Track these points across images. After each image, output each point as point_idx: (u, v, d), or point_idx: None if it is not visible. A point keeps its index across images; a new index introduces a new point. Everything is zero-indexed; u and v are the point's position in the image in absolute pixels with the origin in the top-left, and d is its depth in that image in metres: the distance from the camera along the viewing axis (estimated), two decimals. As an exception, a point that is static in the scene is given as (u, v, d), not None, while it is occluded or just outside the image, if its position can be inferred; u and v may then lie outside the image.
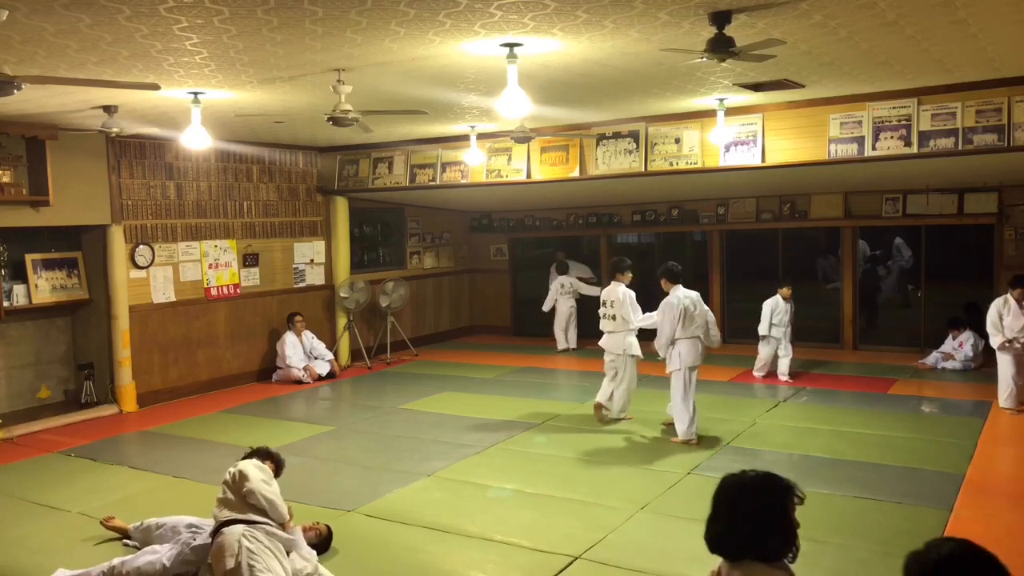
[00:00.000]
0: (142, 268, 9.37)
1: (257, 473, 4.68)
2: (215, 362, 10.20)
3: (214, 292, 10.16)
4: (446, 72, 5.90)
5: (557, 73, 6.03)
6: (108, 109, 7.08)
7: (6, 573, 4.91)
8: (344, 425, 8.35)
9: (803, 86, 7.03)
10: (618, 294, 7.92)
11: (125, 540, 5.25)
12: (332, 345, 11.28)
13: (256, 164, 10.62)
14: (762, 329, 9.74)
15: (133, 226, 9.28)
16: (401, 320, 12.31)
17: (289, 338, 10.54)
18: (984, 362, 9.82)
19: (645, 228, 12.98)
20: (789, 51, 5.44)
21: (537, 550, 5.00)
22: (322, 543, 4.99)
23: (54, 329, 9.25)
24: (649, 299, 8.23)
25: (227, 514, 4.50)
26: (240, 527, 4.39)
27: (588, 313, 12.95)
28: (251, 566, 4.21)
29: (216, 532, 4.46)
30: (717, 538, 2.50)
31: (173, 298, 9.71)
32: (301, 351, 10.61)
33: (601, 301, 8.13)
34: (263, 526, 4.46)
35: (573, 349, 12.34)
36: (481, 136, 9.41)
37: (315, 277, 11.47)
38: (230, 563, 4.22)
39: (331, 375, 10.74)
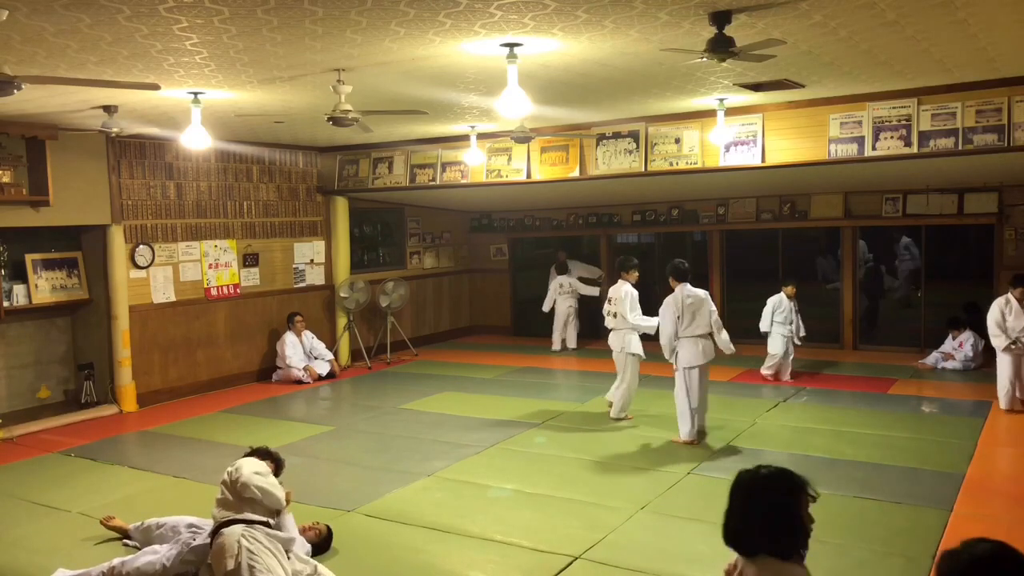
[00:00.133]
0: (142, 268, 9.37)
1: (249, 466, 4.67)
2: (215, 362, 10.19)
3: (214, 292, 10.16)
4: (446, 72, 5.90)
5: (557, 73, 6.03)
6: (108, 109, 7.08)
7: (6, 573, 4.91)
8: (344, 425, 8.35)
9: (803, 86, 7.03)
10: (620, 292, 7.92)
11: (125, 540, 5.25)
12: (332, 345, 11.28)
13: (256, 164, 10.62)
14: (763, 325, 9.68)
15: (133, 226, 9.28)
16: (401, 320, 12.31)
17: (289, 338, 10.54)
18: (984, 362, 9.82)
19: (645, 228, 12.98)
20: (789, 51, 5.44)
21: (537, 550, 5.00)
22: (322, 543, 4.99)
23: (54, 329, 9.25)
24: (650, 299, 8.23)
25: (225, 514, 4.50)
26: (239, 527, 4.38)
27: (591, 314, 13.03)
28: (251, 566, 4.21)
29: (215, 533, 4.46)
30: (733, 533, 2.55)
31: (173, 298, 9.71)
32: (301, 351, 10.62)
33: (607, 299, 8.14)
34: (262, 526, 4.46)
35: (573, 349, 12.34)
36: (481, 136, 9.41)
37: (315, 277, 11.47)
38: (230, 564, 4.22)
39: (331, 375, 10.74)
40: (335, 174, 11.25)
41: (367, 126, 6.52)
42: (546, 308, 12.50)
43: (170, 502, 5.91)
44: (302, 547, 4.76)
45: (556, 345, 12.38)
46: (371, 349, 11.82)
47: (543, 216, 13.49)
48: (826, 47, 5.50)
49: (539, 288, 13.01)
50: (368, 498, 5.99)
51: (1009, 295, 8.10)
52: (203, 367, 10.05)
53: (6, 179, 8.01)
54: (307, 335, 10.80)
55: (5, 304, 8.28)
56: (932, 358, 10.34)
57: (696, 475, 6.36)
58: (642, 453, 7.01)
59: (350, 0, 4.06)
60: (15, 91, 4.59)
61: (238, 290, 10.45)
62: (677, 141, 8.69)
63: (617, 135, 8.99)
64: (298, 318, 10.71)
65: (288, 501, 4.74)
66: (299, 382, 10.39)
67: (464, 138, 9.44)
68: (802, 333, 9.79)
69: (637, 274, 8.10)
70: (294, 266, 11.20)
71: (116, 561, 4.66)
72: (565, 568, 4.75)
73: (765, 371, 9.75)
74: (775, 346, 9.66)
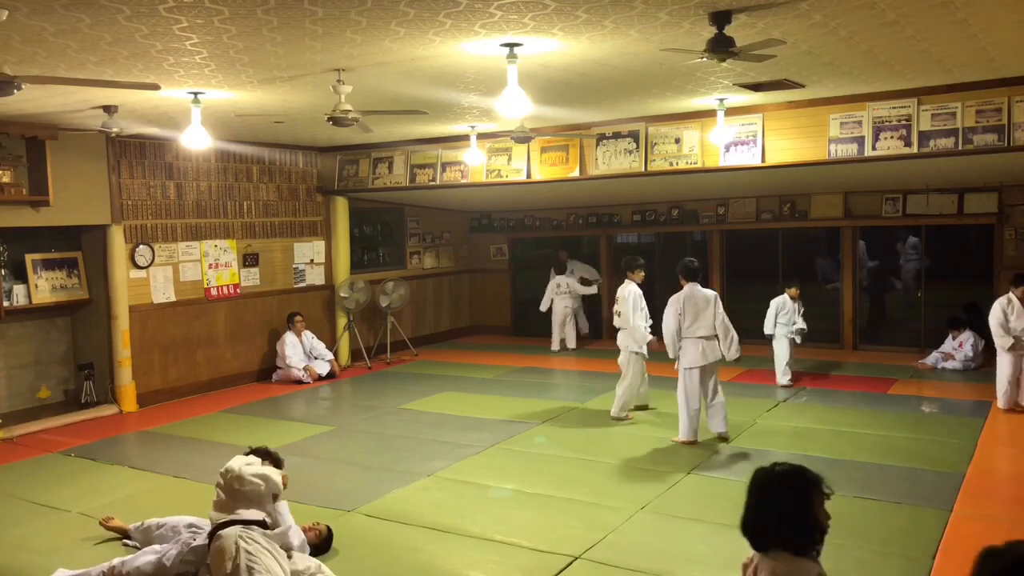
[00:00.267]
0: (142, 268, 9.37)
1: (238, 461, 4.66)
2: (215, 362, 10.20)
3: (214, 292, 10.16)
4: (446, 72, 5.90)
5: (557, 73, 6.03)
6: (108, 109, 7.08)
7: (6, 573, 4.91)
8: (344, 425, 8.35)
9: (803, 86, 7.03)
10: (625, 292, 7.93)
11: (125, 540, 5.25)
12: (332, 345, 11.28)
13: (256, 164, 10.62)
14: (767, 328, 9.51)
15: (133, 226, 9.28)
16: (401, 320, 12.31)
17: (289, 338, 10.54)
18: (984, 362, 9.81)
19: (645, 228, 12.98)
20: (789, 51, 5.44)
21: (537, 550, 5.00)
22: (322, 543, 4.99)
23: (54, 329, 9.25)
24: (650, 300, 8.22)
25: (220, 516, 4.49)
26: (236, 528, 4.38)
27: (592, 315, 13.03)
28: (249, 567, 4.20)
29: (212, 535, 4.45)
30: (749, 529, 2.61)
31: (173, 298, 9.72)
32: (301, 351, 10.62)
33: (615, 299, 8.15)
34: (258, 527, 4.45)
35: (572, 349, 12.33)
36: (481, 136, 9.41)
37: (315, 277, 11.47)
38: (228, 566, 4.21)
39: (331, 375, 10.74)
40: (335, 174, 11.25)
41: (367, 126, 6.52)
42: (543, 308, 12.48)
43: (170, 502, 5.91)
44: (297, 535, 4.76)
45: (555, 345, 12.37)
46: (371, 349, 11.82)
47: (543, 216, 13.49)
48: (826, 47, 5.50)
49: (539, 288, 13.00)
50: (368, 498, 5.99)
51: (1011, 295, 8.09)
52: (203, 367, 10.05)
53: (6, 179, 8.01)
54: (307, 335, 10.80)
55: (5, 304, 8.28)
56: (932, 358, 10.34)
57: (696, 475, 6.36)
58: (642, 453, 7.01)
59: (350, 0, 4.06)
60: (15, 91, 4.59)
61: (238, 290, 10.45)
62: (677, 141, 8.69)
63: (617, 135, 8.99)
64: (298, 318, 10.71)
65: (285, 485, 4.76)
66: (299, 382, 10.39)
67: (464, 138, 9.44)
68: (804, 329, 9.61)
69: (643, 274, 8.10)
70: (294, 266, 11.21)
71: (116, 561, 4.66)
72: (565, 568, 4.75)
73: (784, 380, 9.39)
74: (781, 350, 9.44)
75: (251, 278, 10.62)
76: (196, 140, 6.75)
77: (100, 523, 5.41)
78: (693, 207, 12.30)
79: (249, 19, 4.35)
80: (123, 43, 4.78)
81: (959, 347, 10.18)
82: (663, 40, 5.05)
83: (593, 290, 12.47)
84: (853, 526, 5.23)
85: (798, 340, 9.62)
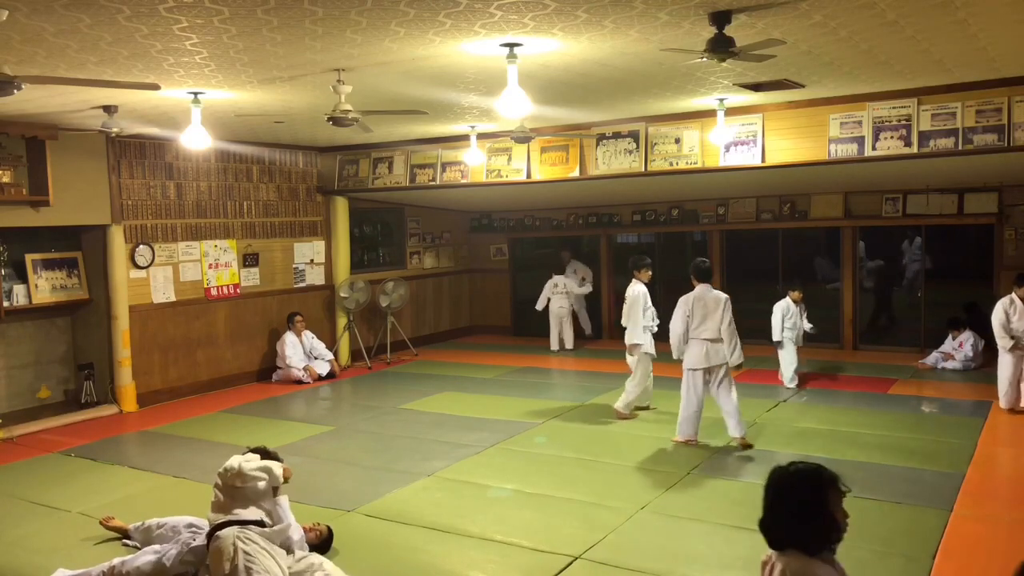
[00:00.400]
0: (142, 268, 9.37)
1: (236, 459, 4.65)
2: (215, 362, 10.20)
3: (214, 292, 10.16)
4: (446, 72, 5.90)
5: (557, 73, 6.03)
6: (108, 109, 7.08)
7: (6, 573, 4.91)
8: (344, 425, 8.35)
9: (803, 86, 7.03)
10: (632, 292, 7.93)
11: (125, 540, 5.25)
12: (332, 345, 11.28)
13: (256, 164, 10.62)
14: (775, 335, 9.36)
15: (133, 226, 9.28)
16: (401, 320, 12.31)
17: (289, 338, 10.54)
18: (984, 362, 9.81)
19: (645, 228, 12.98)
20: (789, 51, 5.44)
21: (537, 550, 5.00)
22: (322, 544, 4.99)
23: (54, 329, 9.25)
24: (651, 300, 8.22)
25: (218, 517, 4.49)
26: (234, 529, 4.37)
27: (592, 315, 13.02)
28: (248, 568, 4.20)
29: (210, 536, 4.45)
30: (765, 527, 2.64)
31: (173, 298, 9.72)
32: (301, 351, 10.62)
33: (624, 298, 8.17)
34: (256, 526, 4.45)
35: (570, 349, 12.32)
36: (481, 136, 9.41)
37: (315, 277, 11.47)
38: (227, 567, 4.21)
39: (331, 375, 10.74)
40: (335, 174, 11.25)
41: (367, 126, 6.52)
42: (539, 307, 12.45)
43: (170, 502, 5.90)
44: (296, 532, 4.76)
45: (554, 345, 12.37)
46: (371, 349, 11.82)
47: (543, 216, 13.49)
48: (826, 47, 5.50)
49: (539, 288, 13.00)
50: (368, 498, 5.99)
51: (1013, 295, 8.07)
52: (203, 367, 10.05)
53: (6, 179, 8.01)
54: (307, 335, 10.80)
55: (5, 304, 8.29)
56: (932, 358, 10.34)
57: (696, 475, 6.36)
58: (642, 453, 7.01)
59: (350, 0, 4.06)
60: (15, 91, 4.59)
61: (238, 290, 10.45)
62: (677, 141, 8.69)
63: (617, 135, 8.99)
64: (298, 318, 10.71)
65: (287, 478, 4.76)
66: (299, 382, 10.39)
67: (464, 138, 9.44)
68: (813, 330, 9.57)
69: (650, 273, 8.10)
70: (294, 266, 11.21)
71: (116, 561, 4.66)
72: (565, 568, 4.75)
73: (790, 384, 9.25)
74: (789, 356, 9.30)
75: (251, 278, 10.62)
76: (196, 140, 6.75)
77: (100, 523, 5.41)
78: (693, 207, 12.30)
79: (249, 19, 4.35)
80: (123, 43, 4.78)
81: (959, 347, 10.17)
82: (663, 40, 5.05)
83: (587, 289, 12.48)
84: (853, 526, 5.15)
85: (799, 343, 9.61)
